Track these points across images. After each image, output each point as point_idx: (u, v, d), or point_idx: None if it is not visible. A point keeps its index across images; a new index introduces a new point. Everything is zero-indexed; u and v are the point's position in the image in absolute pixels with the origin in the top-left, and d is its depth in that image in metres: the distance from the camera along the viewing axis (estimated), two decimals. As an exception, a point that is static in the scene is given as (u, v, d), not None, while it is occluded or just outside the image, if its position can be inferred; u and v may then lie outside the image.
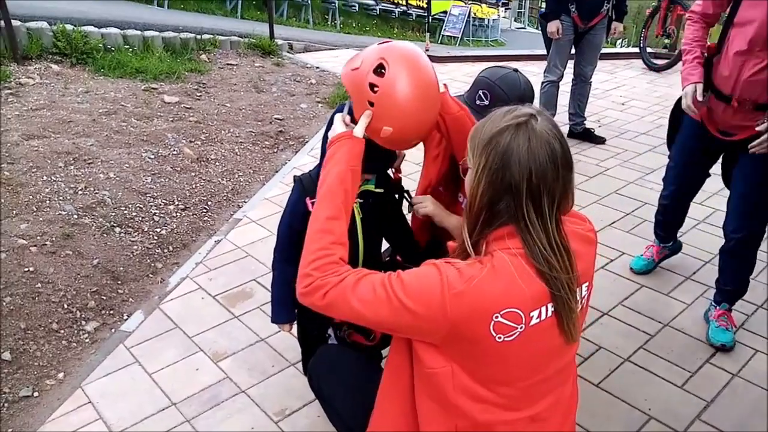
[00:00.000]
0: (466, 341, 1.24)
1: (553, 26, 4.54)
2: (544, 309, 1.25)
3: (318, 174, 1.79)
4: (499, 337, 1.22)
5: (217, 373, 2.43)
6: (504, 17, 21.84)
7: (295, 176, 1.88)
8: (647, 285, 2.94)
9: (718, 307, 2.57)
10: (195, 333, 2.66)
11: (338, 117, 1.62)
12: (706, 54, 2.46)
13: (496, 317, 1.20)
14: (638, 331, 2.62)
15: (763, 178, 2.34)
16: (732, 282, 2.56)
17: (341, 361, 1.74)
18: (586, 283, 1.35)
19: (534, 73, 6.92)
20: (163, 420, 2.20)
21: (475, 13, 18.54)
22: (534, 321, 1.24)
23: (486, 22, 19.30)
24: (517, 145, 1.23)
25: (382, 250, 2.15)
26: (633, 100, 5.93)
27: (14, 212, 3.16)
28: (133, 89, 5.36)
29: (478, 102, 2.05)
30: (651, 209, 3.68)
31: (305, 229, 1.53)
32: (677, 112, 2.73)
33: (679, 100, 2.55)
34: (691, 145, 2.67)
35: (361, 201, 1.82)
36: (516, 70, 2.07)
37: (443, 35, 17.42)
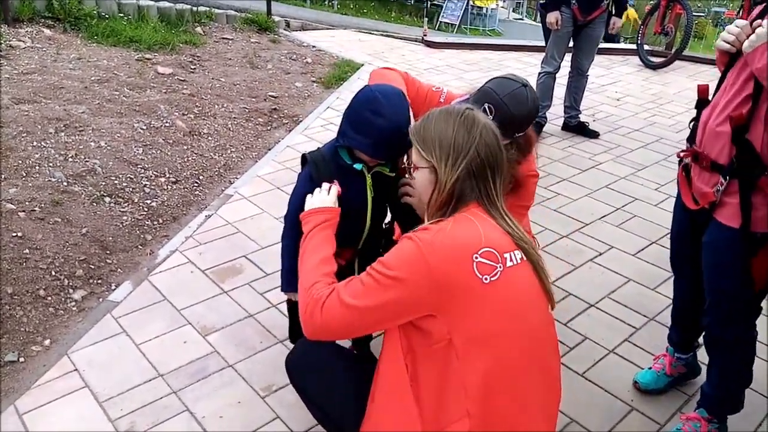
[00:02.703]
0: (457, 292, 1.28)
1: (553, 17, 4.53)
2: (513, 254, 1.36)
3: (329, 152, 1.82)
4: (486, 278, 1.29)
5: (205, 347, 2.43)
6: (503, 7, 21.74)
7: (304, 154, 1.87)
8: (634, 279, 2.98)
9: None
10: (183, 306, 2.65)
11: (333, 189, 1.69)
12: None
13: (476, 257, 1.30)
14: (624, 324, 2.65)
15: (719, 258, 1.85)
16: None
17: (321, 356, 1.75)
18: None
19: (531, 65, 6.92)
20: (150, 391, 2.20)
21: (473, 1, 18.44)
22: (509, 263, 1.34)
23: (484, 10, 19.20)
24: (472, 138, 1.39)
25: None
26: (628, 96, 5.95)
27: (3, 176, 3.12)
28: (126, 58, 5.28)
29: None
30: (641, 205, 3.73)
31: None
32: None
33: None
34: (678, 214, 2.12)
35: (374, 181, 1.84)
36: (525, 85, 1.98)
37: (441, 22, 17.32)
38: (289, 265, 1.95)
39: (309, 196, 1.69)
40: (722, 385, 1.99)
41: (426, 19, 9.88)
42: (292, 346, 2.40)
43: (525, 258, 1.38)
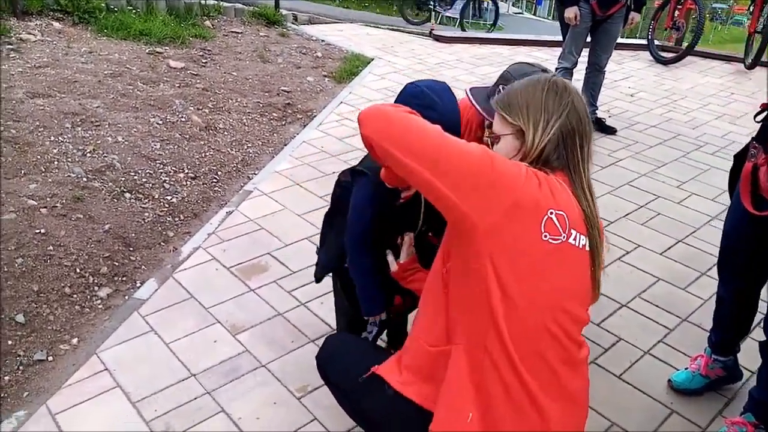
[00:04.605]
0: (516, 227, 1.25)
1: (571, 12, 4.48)
2: (580, 236, 1.33)
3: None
4: (545, 236, 1.27)
5: (236, 346, 2.39)
6: (502, 1, 21.65)
7: (354, 169, 1.80)
8: (664, 278, 2.95)
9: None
10: (211, 304, 2.61)
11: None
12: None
13: (551, 212, 1.27)
14: (657, 325, 2.62)
15: None
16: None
17: (345, 345, 1.74)
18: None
19: (543, 60, 6.87)
20: (183, 391, 2.16)
21: (475, -4, 18.34)
22: (572, 240, 1.31)
23: (485, 5, 19.14)
24: (565, 103, 1.37)
25: None
26: (641, 92, 5.91)
27: (22, 171, 3.07)
28: (137, 52, 5.22)
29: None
30: (664, 203, 3.70)
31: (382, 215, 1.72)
32: (737, 168, 1.99)
33: (739, 154, 1.98)
34: (738, 220, 1.99)
35: None
36: (545, 70, 1.96)
37: (442, 16, 17.23)
38: (371, 285, 1.83)
39: None
40: None
41: (434, 13, 9.81)
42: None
43: (587, 248, 1.35)
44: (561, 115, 1.36)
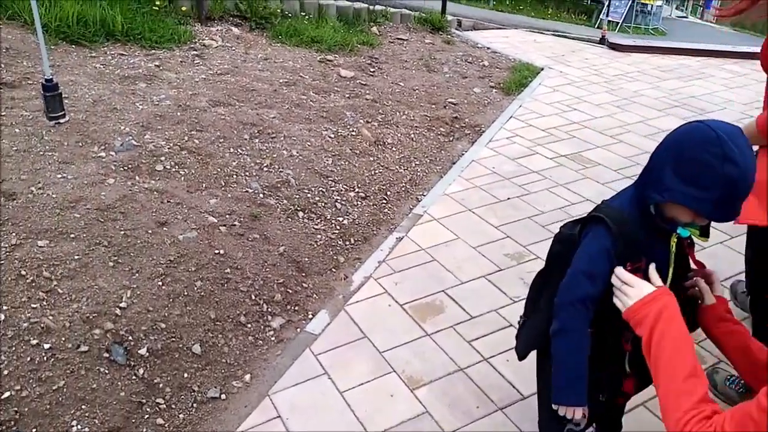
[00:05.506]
0: None
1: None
2: None
3: (624, 204, 1.42)
4: None
5: (415, 405, 2.14)
6: (666, 4, 19.93)
7: (594, 216, 1.45)
8: None
9: None
10: (385, 348, 2.39)
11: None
12: None
13: None
14: None
15: None
16: None
17: None
18: None
19: (740, 74, 6.03)
20: (359, 455, 1.95)
21: (639, -1, 17.02)
22: None
23: (648, 8, 17.70)
24: None
25: None
26: None
27: (203, 185, 3.05)
28: (309, 59, 5.21)
29: None
30: None
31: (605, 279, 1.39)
32: None
33: None
34: None
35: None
36: None
37: (602, 20, 16.17)
38: (573, 365, 1.45)
39: (620, 293, 1.32)
40: None
41: (606, 18, 9.11)
42: (513, 416, 2.07)
43: None
44: None
